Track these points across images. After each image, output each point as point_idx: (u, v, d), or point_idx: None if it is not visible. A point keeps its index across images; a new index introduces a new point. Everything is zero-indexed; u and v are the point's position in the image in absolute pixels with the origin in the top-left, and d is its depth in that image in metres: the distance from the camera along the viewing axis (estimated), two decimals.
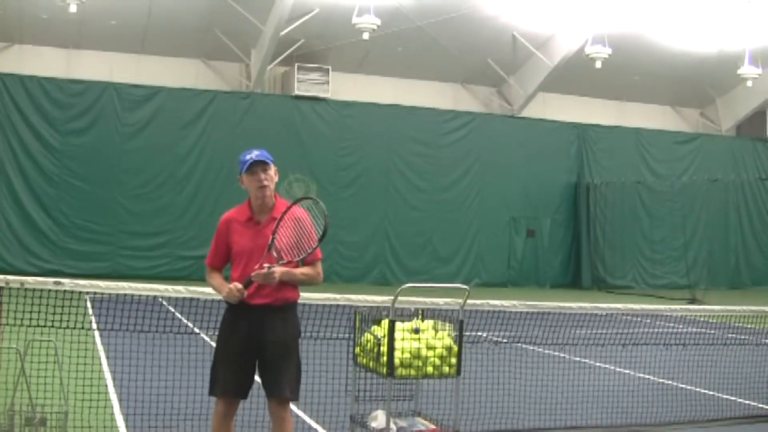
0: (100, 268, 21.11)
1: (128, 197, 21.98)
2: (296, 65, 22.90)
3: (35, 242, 21.27)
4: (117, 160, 21.96)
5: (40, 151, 21.40)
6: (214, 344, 5.21)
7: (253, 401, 5.62)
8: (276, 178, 5.11)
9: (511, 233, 25.76)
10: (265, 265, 4.81)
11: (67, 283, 6.12)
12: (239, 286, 4.84)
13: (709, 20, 22.53)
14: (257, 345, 4.98)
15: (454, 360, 5.95)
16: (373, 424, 6.08)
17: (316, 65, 23.16)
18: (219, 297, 5.13)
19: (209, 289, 5.17)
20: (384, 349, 5.77)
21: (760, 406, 8.43)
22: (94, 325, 9.60)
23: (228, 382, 5.02)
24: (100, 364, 9.13)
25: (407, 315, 6.34)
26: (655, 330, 13.96)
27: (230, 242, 5.09)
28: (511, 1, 21.62)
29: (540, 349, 11.07)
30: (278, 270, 4.82)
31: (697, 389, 8.94)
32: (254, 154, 5.02)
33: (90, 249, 21.52)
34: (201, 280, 5.43)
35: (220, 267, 5.20)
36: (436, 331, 6.08)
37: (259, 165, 5.00)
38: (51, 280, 6.15)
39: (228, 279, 5.11)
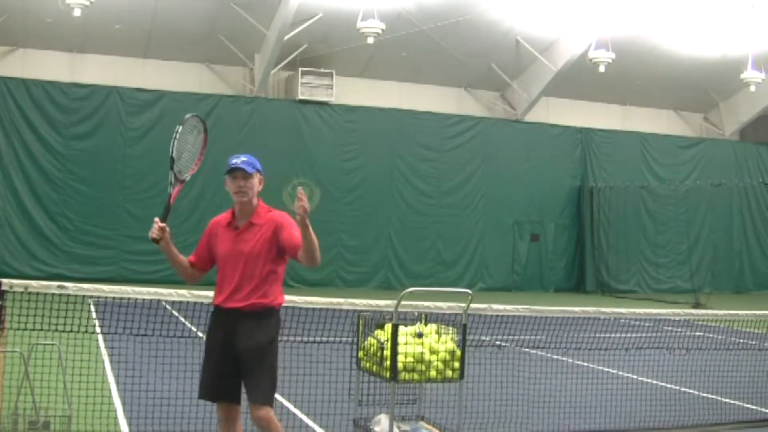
0: (103, 272, 21.15)
1: (132, 201, 21.98)
2: (300, 69, 22.91)
3: (39, 246, 21.28)
4: (121, 165, 21.99)
5: (44, 156, 21.42)
6: None
7: None
8: (260, 187, 5.07)
9: (515, 237, 25.74)
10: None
11: (71, 287, 6.11)
12: (159, 224, 4.83)
13: (712, 25, 22.52)
14: (234, 350, 4.98)
15: (457, 364, 5.95)
16: (377, 429, 6.07)
17: (319, 69, 23.16)
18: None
19: (212, 293, 5.19)
20: (387, 353, 5.77)
21: (764, 410, 8.41)
22: (98, 329, 9.59)
23: (210, 386, 5.05)
24: (104, 368, 9.13)
25: (410, 319, 6.35)
26: (659, 334, 13.94)
27: (212, 246, 5.12)
28: (515, 6, 21.63)
29: (543, 354, 11.05)
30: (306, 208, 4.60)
31: (701, 393, 8.93)
32: (239, 160, 5.01)
33: (94, 253, 21.55)
34: (204, 285, 5.42)
35: (195, 264, 5.18)
36: (440, 335, 6.07)
37: (240, 171, 4.98)
38: (55, 284, 6.15)
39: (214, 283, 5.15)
